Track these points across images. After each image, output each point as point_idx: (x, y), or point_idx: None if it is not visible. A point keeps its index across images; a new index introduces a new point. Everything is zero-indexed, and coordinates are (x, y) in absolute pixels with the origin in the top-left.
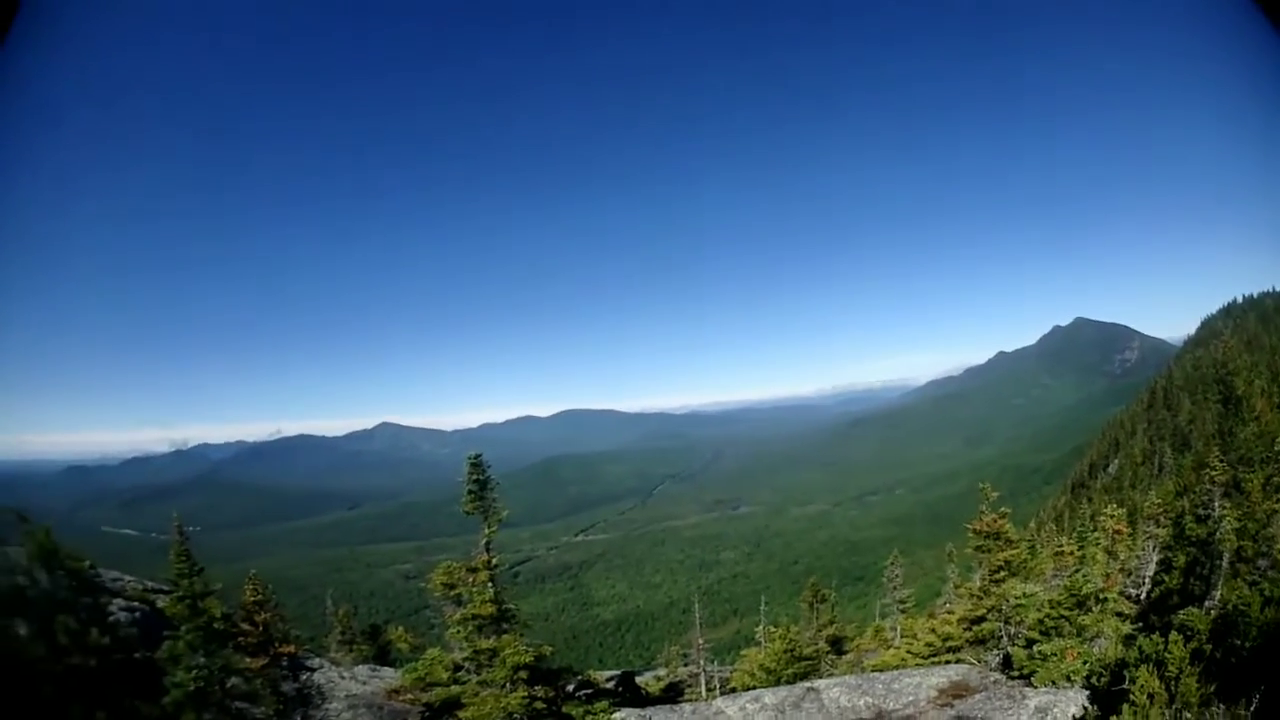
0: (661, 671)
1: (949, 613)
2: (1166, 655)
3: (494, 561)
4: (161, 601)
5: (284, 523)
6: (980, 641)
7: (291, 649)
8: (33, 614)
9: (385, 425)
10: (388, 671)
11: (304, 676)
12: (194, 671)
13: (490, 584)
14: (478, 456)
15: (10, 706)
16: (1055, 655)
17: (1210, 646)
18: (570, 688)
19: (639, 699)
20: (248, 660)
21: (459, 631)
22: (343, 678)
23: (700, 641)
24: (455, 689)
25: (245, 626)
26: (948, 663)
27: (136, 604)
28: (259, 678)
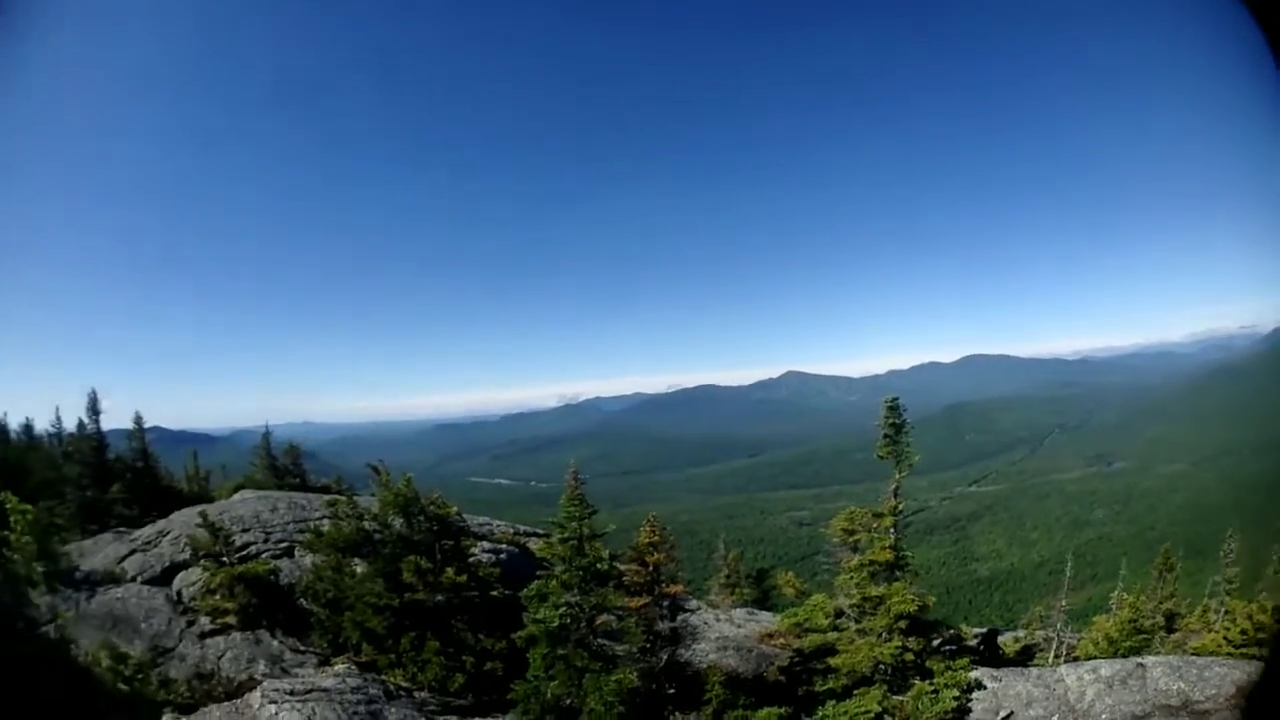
0: (1021, 633)
1: (1263, 599)
2: None
3: (900, 508)
4: (533, 544)
5: (681, 470)
6: None
7: (677, 589)
8: (376, 555)
9: (791, 374)
10: (765, 615)
11: (680, 617)
12: (561, 609)
13: (892, 530)
14: (895, 400)
15: (332, 635)
16: None
17: None
18: (937, 642)
19: (995, 659)
20: (628, 599)
21: (851, 577)
22: (719, 619)
23: (1062, 604)
24: (831, 635)
25: (634, 567)
26: (1253, 657)
27: (504, 546)
28: (634, 616)
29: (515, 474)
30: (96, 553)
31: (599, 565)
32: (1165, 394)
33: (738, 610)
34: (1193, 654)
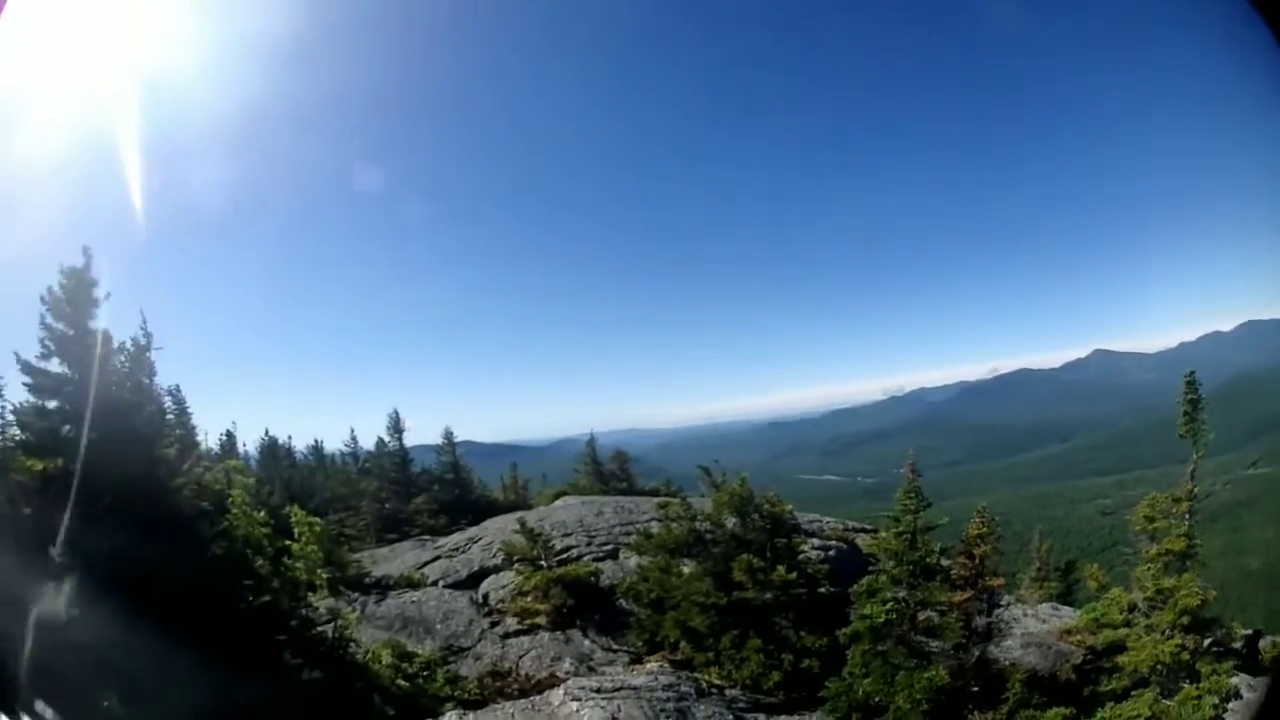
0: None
1: None
2: None
3: (1195, 491)
4: (861, 540)
5: (1001, 459)
6: None
7: (998, 583)
8: (706, 554)
9: (1098, 352)
10: (1067, 611)
11: (995, 612)
12: (888, 604)
13: (1187, 517)
14: (1192, 374)
15: (650, 634)
16: None
17: None
18: (1207, 642)
19: (1255, 665)
20: (951, 594)
21: (1148, 568)
22: (1025, 614)
23: None
24: (1123, 631)
25: (961, 560)
26: None
27: (833, 543)
28: (954, 611)
29: (842, 469)
30: (394, 559)
31: (929, 559)
32: None
33: (1043, 605)
34: None
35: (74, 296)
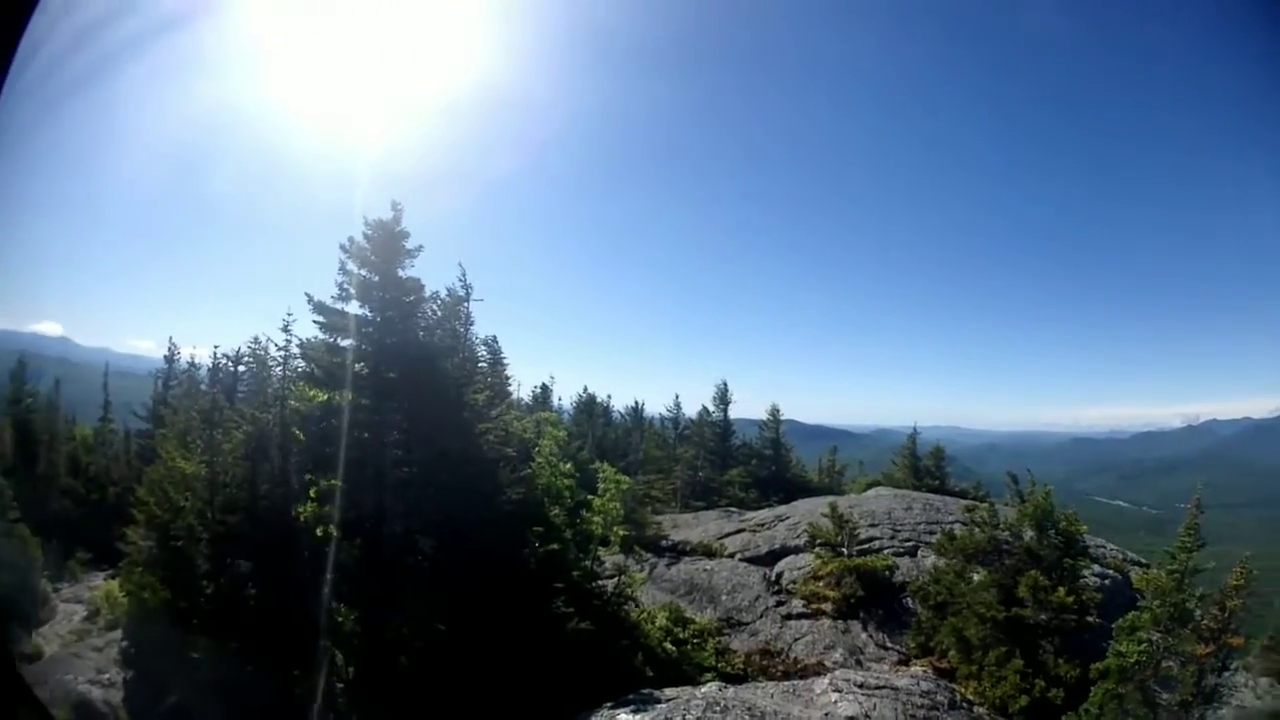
0: None
1: None
2: None
3: None
4: (1135, 573)
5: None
6: None
7: (1239, 642)
8: (999, 565)
9: None
10: None
11: (1223, 675)
12: (1142, 645)
13: None
14: None
15: (926, 637)
16: None
17: None
18: None
19: None
20: (1195, 645)
21: None
22: (1245, 685)
23: None
24: None
25: (1214, 611)
26: None
27: (1111, 571)
28: (1193, 665)
29: (1133, 496)
30: (696, 526)
31: (1189, 604)
32: None
33: (1264, 679)
34: None
35: (381, 246)
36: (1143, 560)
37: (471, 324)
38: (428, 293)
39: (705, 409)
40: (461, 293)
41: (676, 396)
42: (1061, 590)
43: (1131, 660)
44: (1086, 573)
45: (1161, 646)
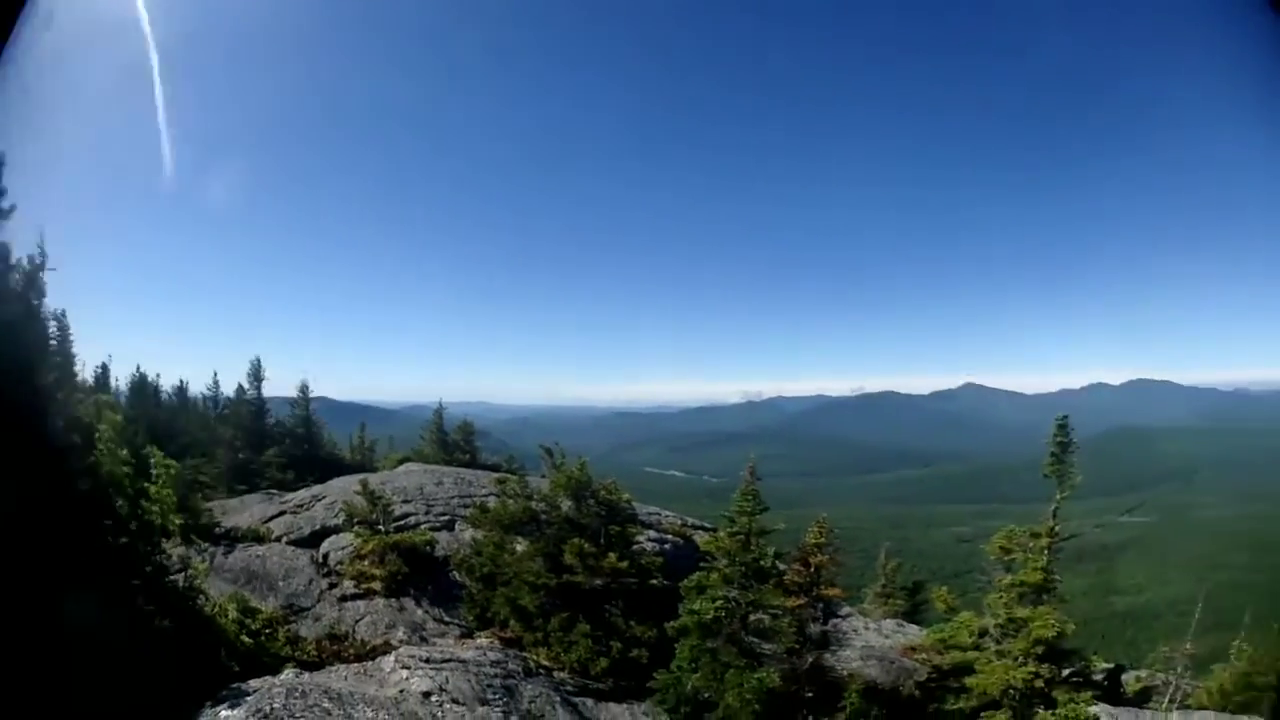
0: (1144, 673)
1: None
2: None
3: (1057, 529)
4: (699, 537)
5: (856, 476)
6: None
7: (834, 593)
8: (540, 535)
9: (969, 385)
10: (913, 628)
11: (831, 622)
12: (717, 602)
13: (1046, 552)
14: (1064, 418)
15: (481, 609)
16: None
17: None
18: (1067, 672)
19: (1116, 697)
20: (785, 598)
21: (1001, 597)
22: (867, 628)
23: (1187, 648)
24: (971, 654)
25: (797, 566)
26: None
27: (670, 537)
28: (788, 616)
29: (690, 467)
30: (243, 511)
31: (762, 562)
32: None
33: (887, 621)
34: None
35: None
36: (708, 525)
37: (44, 297)
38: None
39: (241, 387)
40: (39, 260)
41: (215, 374)
42: (613, 556)
43: (709, 617)
44: (641, 538)
45: (744, 602)
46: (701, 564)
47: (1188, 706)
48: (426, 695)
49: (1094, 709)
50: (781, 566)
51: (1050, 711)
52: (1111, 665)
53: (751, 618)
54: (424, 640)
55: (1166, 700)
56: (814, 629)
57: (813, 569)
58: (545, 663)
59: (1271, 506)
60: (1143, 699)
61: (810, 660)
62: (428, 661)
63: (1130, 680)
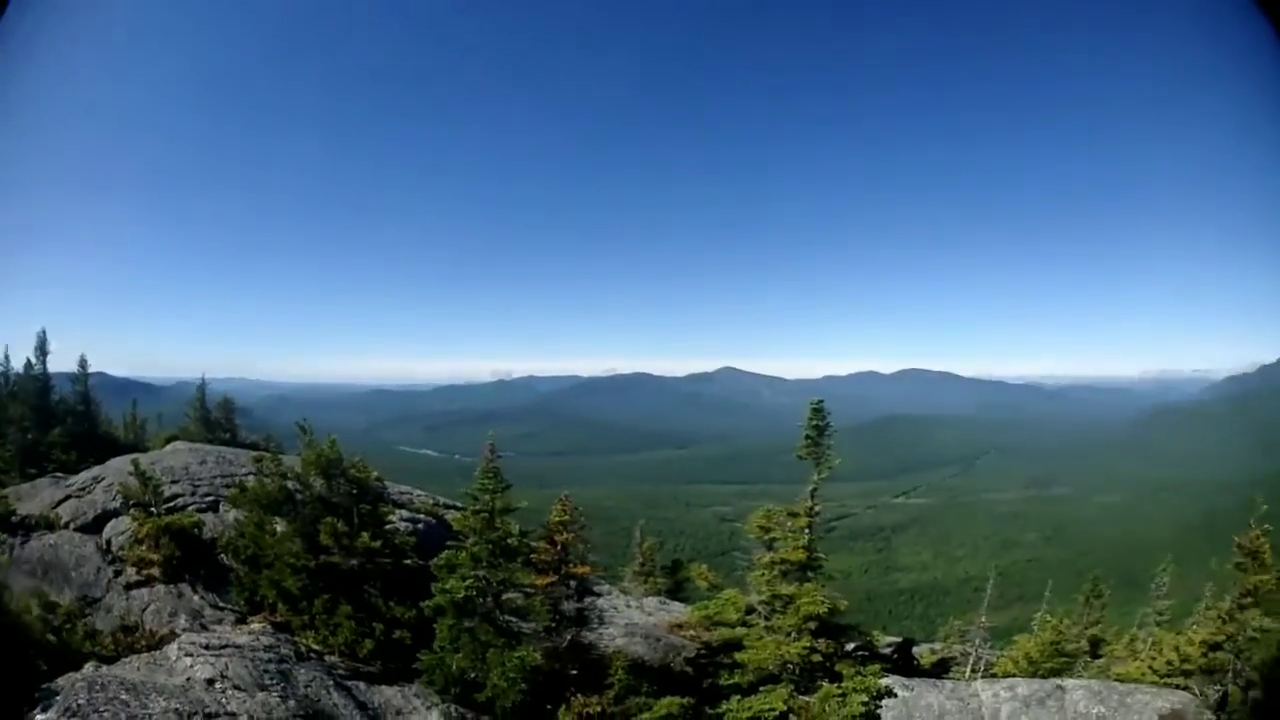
0: (938, 645)
1: (1194, 632)
2: None
3: (815, 509)
4: (452, 517)
5: (610, 456)
6: (1211, 671)
7: (584, 571)
8: (297, 514)
9: (726, 369)
10: (677, 606)
11: (587, 599)
12: (468, 581)
13: (807, 531)
14: (820, 402)
15: (250, 593)
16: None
17: None
18: (851, 646)
19: (909, 669)
20: (536, 577)
21: (763, 574)
22: (629, 606)
23: (982, 621)
24: (740, 631)
25: (544, 545)
26: (1177, 686)
27: (423, 516)
28: (540, 594)
29: (443, 446)
30: (34, 496)
31: (509, 540)
32: (1113, 426)
33: (650, 599)
34: (1118, 680)
35: None
36: (460, 505)
37: None
38: None
39: (29, 362)
40: None
41: (6, 349)
42: (366, 535)
43: (461, 596)
44: (394, 518)
45: (494, 580)
46: (449, 543)
47: (994, 675)
48: (210, 682)
49: (885, 680)
50: (532, 545)
51: (836, 685)
52: (898, 639)
53: (505, 596)
54: (204, 627)
55: (969, 669)
56: (568, 607)
57: (559, 547)
58: (315, 646)
59: (1061, 490)
60: (941, 670)
61: (569, 638)
62: (208, 649)
63: (924, 653)
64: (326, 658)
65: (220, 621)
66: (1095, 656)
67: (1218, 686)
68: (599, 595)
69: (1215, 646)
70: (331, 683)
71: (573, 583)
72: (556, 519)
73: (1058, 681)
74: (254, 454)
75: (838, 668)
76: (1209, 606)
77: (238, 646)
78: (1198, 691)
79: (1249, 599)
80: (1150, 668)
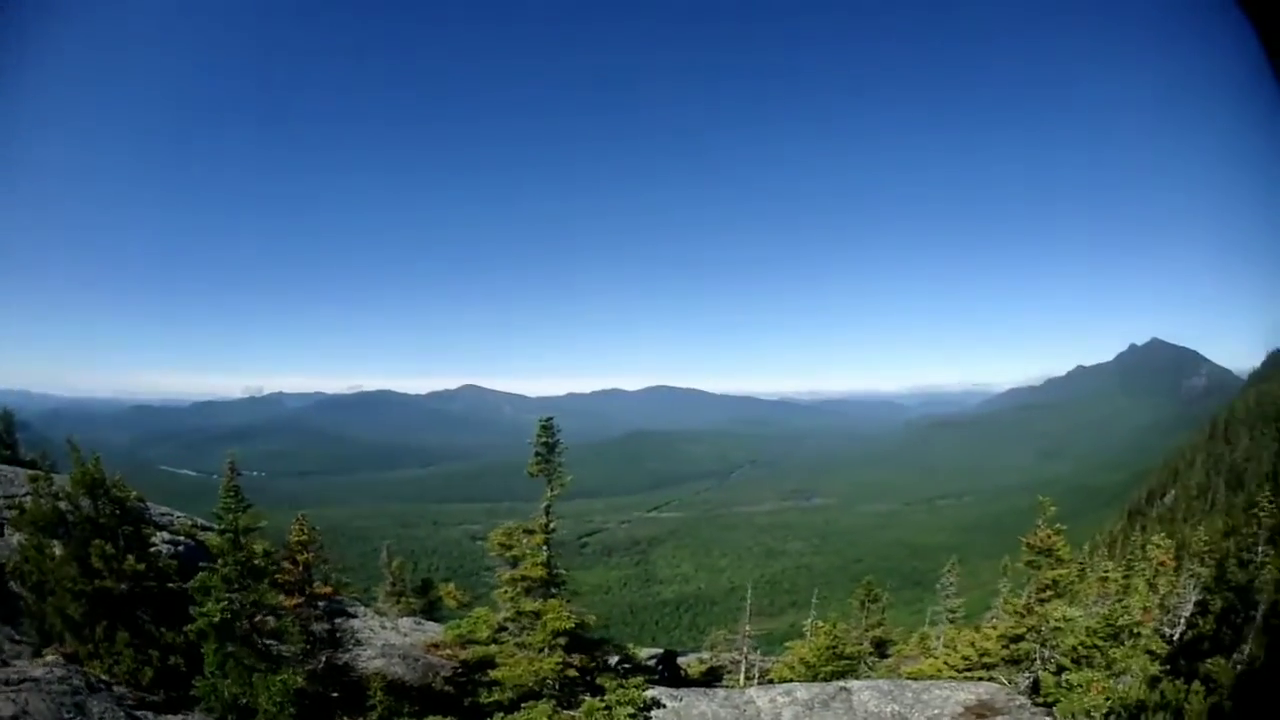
0: (705, 655)
1: (992, 627)
2: (1186, 705)
3: (551, 525)
4: (206, 537)
5: (357, 474)
6: (1015, 661)
7: (328, 591)
8: (70, 537)
9: (469, 387)
10: (432, 626)
11: (338, 620)
12: (222, 604)
13: (544, 548)
14: (549, 420)
15: (39, 622)
16: (1081, 687)
17: (1230, 703)
18: (612, 660)
19: (676, 679)
20: (282, 598)
21: (506, 592)
22: (384, 627)
23: (747, 629)
24: (493, 648)
25: (286, 565)
26: (980, 679)
27: (182, 538)
28: (290, 616)
29: (201, 465)
30: None
31: (255, 560)
32: (877, 439)
33: (405, 619)
34: (909, 679)
35: None
36: (215, 526)
37: None
38: None
39: None
40: None
41: None
42: (131, 558)
43: (218, 619)
44: (157, 539)
45: (245, 602)
46: (201, 565)
47: (770, 681)
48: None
49: (651, 692)
50: (280, 564)
51: (599, 699)
52: (660, 650)
53: (258, 618)
54: (4, 662)
55: (742, 676)
56: (319, 628)
57: (301, 566)
58: (104, 677)
59: (823, 501)
60: (712, 678)
61: (324, 660)
62: (7, 684)
63: (693, 662)
64: (115, 688)
65: (19, 656)
66: (883, 656)
67: (1026, 674)
68: (353, 616)
69: (1017, 639)
70: (123, 713)
71: (320, 604)
72: (295, 539)
73: (841, 683)
74: (30, 473)
75: (599, 681)
76: (1006, 601)
77: (34, 679)
78: (1005, 681)
79: (1049, 592)
80: (946, 663)
